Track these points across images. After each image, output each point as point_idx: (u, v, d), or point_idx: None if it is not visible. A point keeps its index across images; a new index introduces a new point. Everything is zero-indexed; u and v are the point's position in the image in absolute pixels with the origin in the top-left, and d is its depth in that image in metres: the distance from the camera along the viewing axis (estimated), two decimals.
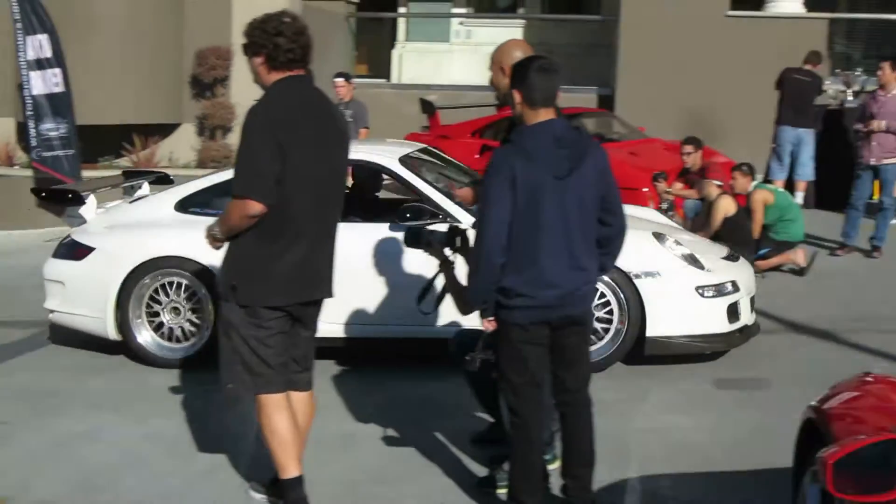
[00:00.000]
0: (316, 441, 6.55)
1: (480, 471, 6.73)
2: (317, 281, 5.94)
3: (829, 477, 3.73)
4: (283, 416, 5.90)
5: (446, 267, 6.27)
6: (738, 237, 11.59)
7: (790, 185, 15.70)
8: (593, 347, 8.73)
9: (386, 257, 8.83)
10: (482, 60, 6.59)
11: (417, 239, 6.47)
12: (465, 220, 8.64)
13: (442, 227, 6.39)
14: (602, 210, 5.69)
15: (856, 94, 16.99)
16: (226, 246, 5.87)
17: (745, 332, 9.22)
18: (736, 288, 9.10)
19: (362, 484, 6.74)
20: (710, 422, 7.84)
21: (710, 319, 8.96)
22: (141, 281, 9.07)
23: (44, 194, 9.73)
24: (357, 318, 8.91)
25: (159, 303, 9.13)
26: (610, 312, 8.86)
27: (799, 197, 15.50)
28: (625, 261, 8.51)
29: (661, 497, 6.53)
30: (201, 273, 8.96)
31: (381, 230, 8.95)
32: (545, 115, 5.60)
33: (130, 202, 9.95)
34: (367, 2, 22.86)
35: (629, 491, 6.55)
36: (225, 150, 18.02)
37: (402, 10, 25.02)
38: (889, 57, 13.90)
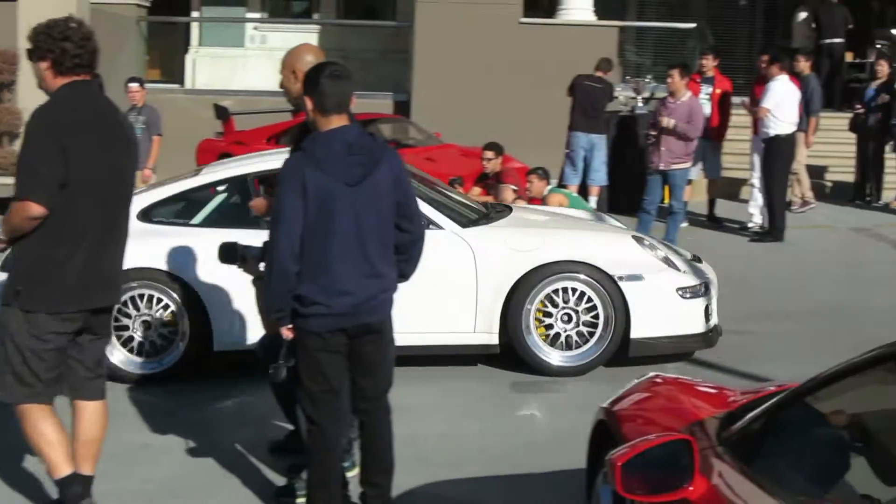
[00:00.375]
0: (110, 454, 6.39)
1: (279, 480, 6.67)
2: (102, 287, 5.84)
3: (618, 478, 3.78)
4: (48, 422, 5.81)
5: (260, 283, 6.21)
6: None
7: (584, 190, 15.97)
8: (580, 350, 8.95)
9: None
10: (277, 66, 6.54)
11: (232, 255, 6.39)
12: (445, 224, 8.94)
13: (256, 243, 6.32)
14: (399, 216, 5.70)
15: (646, 100, 17.38)
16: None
17: (715, 332, 9.37)
18: (708, 289, 9.28)
19: (159, 497, 6.62)
20: (506, 425, 7.92)
21: (690, 320, 9.11)
22: None
23: None
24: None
25: (128, 316, 8.75)
26: (595, 315, 8.96)
27: (592, 201, 15.76)
28: (609, 264, 8.85)
29: (460, 502, 6.56)
30: (174, 284, 8.67)
31: None
32: (338, 121, 5.58)
33: None
34: (159, 5, 22.47)
35: (428, 497, 6.57)
36: (12, 156, 17.42)
37: (195, 14, 24.70)
38: (677, 64, 14.28)
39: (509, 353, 9.01)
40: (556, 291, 8.93)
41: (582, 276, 8.91)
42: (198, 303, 8.69)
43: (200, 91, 21.94)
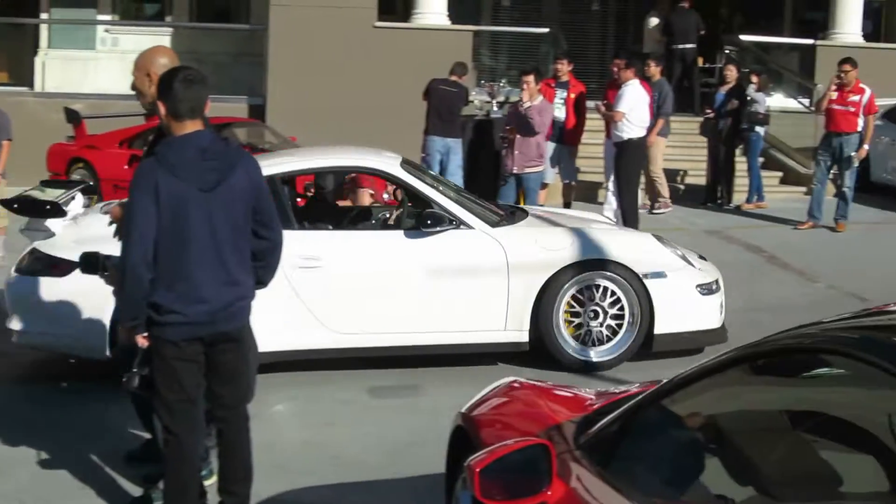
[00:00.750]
0: None
1: (135, 490, 6.58)
2: None
3: (476, 484, 3.78)
4: None
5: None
6: None
7: None
8: (608, 345, 9.20)
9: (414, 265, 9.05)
10: (130, 68, 6.45)
11: (94, 265, 6.28)
12: (475, 223, 9.12)
13: (117, 252, 6.22)
14: (256, 223, 5.65)
15: (501, 104, 17.48)
16: None
17: (724, 328, 9.56)
18: (719, 286, 9.60)
19: None
20: (366, 431, 7.90)
21: (708, 316, 9.38)
22: None
23: (16, 206, 8.70)
24: (411, 325, 9.06)
25: None
26: (621, 312, 9.21)
27: None
28: (635, 262, 9.11)
29: None
30: None
31: (396, 237, 9.19)
32: (191, 126, 5.52)
33: (103, 212, 9.14)
34: (7, 6, 21.95)
35: None
36: None
37: (44, 15, 24.18)
38: (530, 70, 14.41)
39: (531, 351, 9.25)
40: (584, 289, 9.16)
41: (610, 274, 9.16)
42: None
43: (50, 94, 21.47)
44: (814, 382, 3.89)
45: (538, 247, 9.16)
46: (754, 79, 17.86)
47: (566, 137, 15.76)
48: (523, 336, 9.14)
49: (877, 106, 15.76)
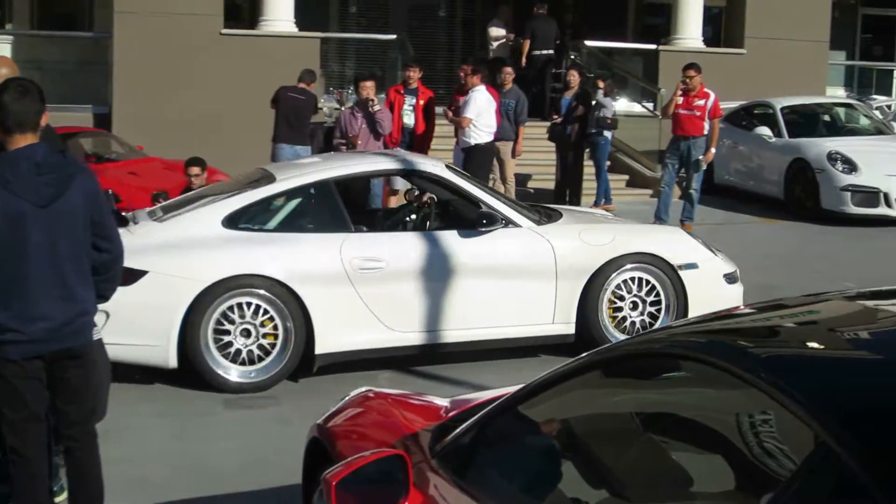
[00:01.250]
0: None
1: None
2: None
3: (333, 497, 3.76)
4: None
5: None
6: None
7: None
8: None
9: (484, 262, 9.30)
10: None
11: None
12: (522, 222, 9.46)
13: None
14: (95, 236, 5.55)
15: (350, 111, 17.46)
16: None
17: None
18: (738, 275, 10.04)
19: None
20: (222, 443, 7.84)
21: (733, 303, 9.44)
22: (211, 304, 8.59)
23: None
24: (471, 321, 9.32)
25: (228, 326, 8.72)
26: (658, 302, 9.67)
27: None
28: (671, 254, 9.55)
29: None
30: (275, 291, 8.70)
31: (451, 237, 9.32)
32: (23, 140, 5.40)
33: (158, 220, 9.12)
34: None
35: None
36: None
37: None
38: (369, 76, 14.51)
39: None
40: (625, 281, 9.61)
41: (649, 267, 9.56)
42: (300, 307, 8.73)
43: None
44: (664, 385, 3.96)
45: (583, 243, 9.53)
46: (600, 84, 18.10)
47: (416, 144, 15.81)
48: (570, 329, 9.52)
49: (721, 110, 16.12)
